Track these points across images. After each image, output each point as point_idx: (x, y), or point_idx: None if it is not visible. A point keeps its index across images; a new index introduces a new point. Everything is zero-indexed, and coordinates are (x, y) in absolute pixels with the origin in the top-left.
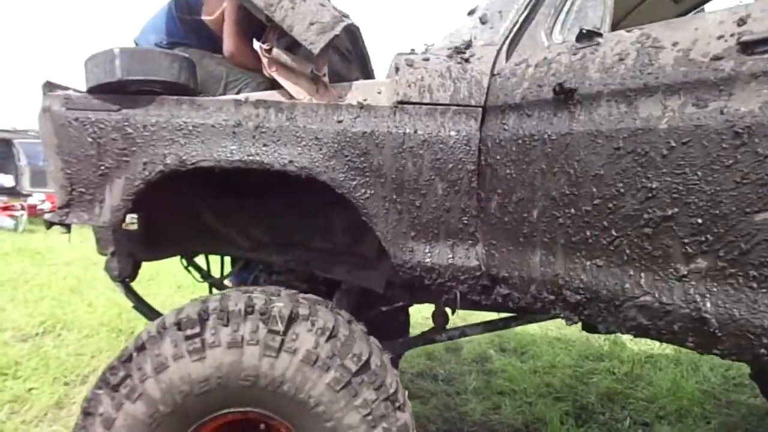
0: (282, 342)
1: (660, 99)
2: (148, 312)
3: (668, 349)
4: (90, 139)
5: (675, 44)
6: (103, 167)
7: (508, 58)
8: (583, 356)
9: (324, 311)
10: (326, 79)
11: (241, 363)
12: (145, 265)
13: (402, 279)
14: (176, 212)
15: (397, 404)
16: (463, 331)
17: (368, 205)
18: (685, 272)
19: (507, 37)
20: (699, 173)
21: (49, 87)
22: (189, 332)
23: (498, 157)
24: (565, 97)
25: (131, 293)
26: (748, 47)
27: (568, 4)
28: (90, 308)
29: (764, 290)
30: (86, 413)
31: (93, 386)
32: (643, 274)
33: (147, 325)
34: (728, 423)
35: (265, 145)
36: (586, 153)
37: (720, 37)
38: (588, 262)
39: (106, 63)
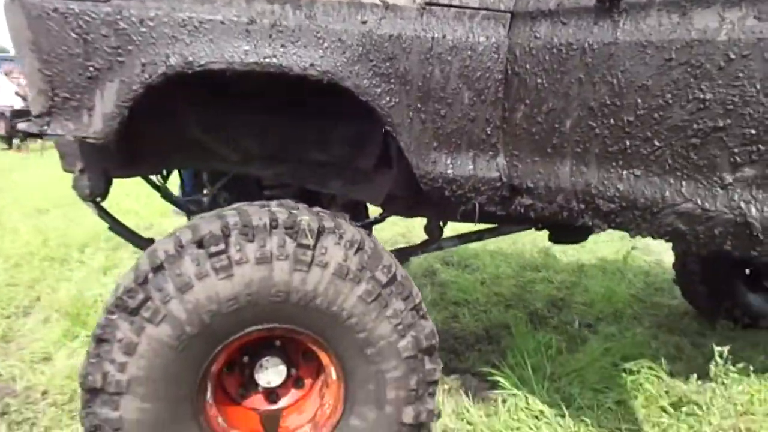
0: (313, 256)
1: (718, 11)
2: (127, 234)
3: (594, 259)
4: (74, 35)
5: None
6: (91, 68)
7: None
8: (521, 267)
9: (346, 224)
10: None
11: (272, 279)
12: None
13: (404, 193)
14: (158, 123)
15: (421, 313)
16: (440, 245)
17: (393, 113)
18: (731, 180)
19: None
20: (758, 86)
21: None
22: (213, 249)
23: (527, 67)
24: (609, 5)
25: (105, 214)
26: None
27: None
28: (15, 236)
29: None
30: (100, 340)
31: (104, 312)
32: (684, 183)
33: (156, 245)
34: (656, 322)
35: (282, 46)
36: (633, 63)
37: None
38: (625, 172)
39: None
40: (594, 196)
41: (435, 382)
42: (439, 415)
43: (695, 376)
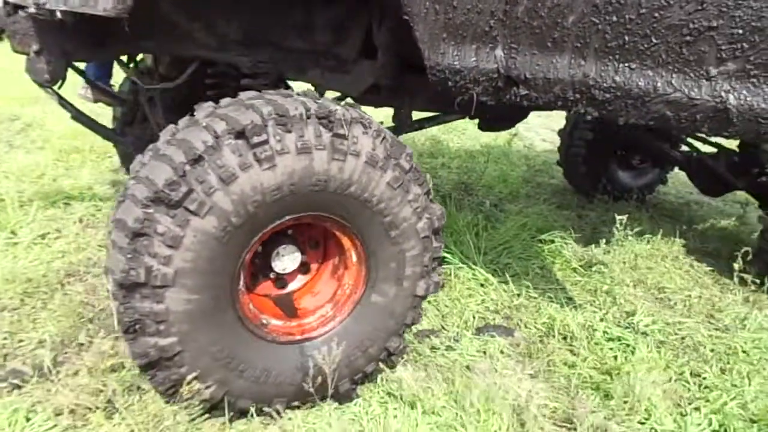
0: (347, 146)
1: None
2: (90, 123)
3: (477, 145)
4: None
5: None
6: None
7: None
8: (420, 154)
9: (367, 115)
10: None
11: (313, 168)
12: None
13: (389, 82)
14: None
15: (430, 196)
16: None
17: (412, 3)
18: (715, 73)
19: None
20: None
21: None
22: (256, 140)
23: None
24: None
25: (65, 102)
26: None
27: None
28: None
29: None
30: (137, 234)
31: (137, 207)
32: (675, 75)
33: (184, 136)
34: (546, 199)
35: None
36: None
37: None
38: (621, 65)
39: None
40: (590, 87)
41: (440, 258)
42: (442, 286)
43: (603, 240)
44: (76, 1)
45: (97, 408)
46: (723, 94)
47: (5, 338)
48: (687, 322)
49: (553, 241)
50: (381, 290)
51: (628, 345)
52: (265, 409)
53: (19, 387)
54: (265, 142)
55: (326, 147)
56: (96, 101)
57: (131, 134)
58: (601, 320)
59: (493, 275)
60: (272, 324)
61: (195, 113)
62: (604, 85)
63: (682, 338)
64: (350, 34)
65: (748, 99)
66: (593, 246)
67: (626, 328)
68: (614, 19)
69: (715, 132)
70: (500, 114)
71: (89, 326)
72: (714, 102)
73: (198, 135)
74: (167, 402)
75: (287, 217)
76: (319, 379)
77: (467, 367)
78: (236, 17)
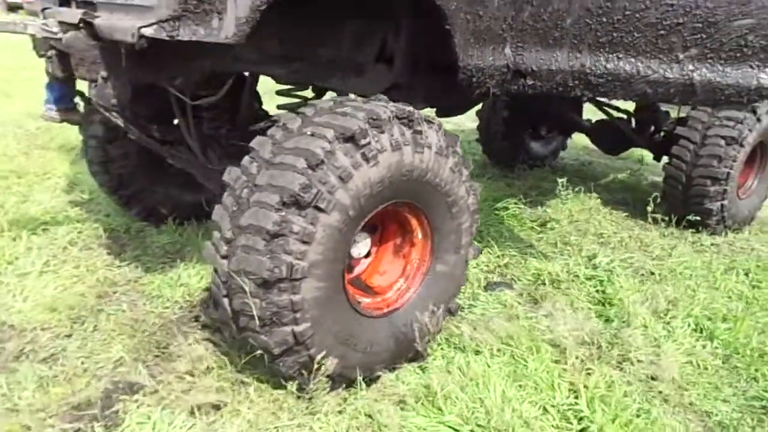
0: (423, 139)
1: None
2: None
3: None
4: None
5: None
6: None
7: None
8: None
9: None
10: None
11: (403, 161)
12: None
13: (406, 81)
14: None
15: (470, 174)
16: None
17: (453, 15)
18: (682, 57)
19: None
20: None
21: None
22: (363, 142)
23: None
24: None
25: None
26: None
27: None
28: None
29: (729, 65)
30: (276, 235)
31: (272, 211)
32: (652, 61)
33: (301, 144)
34: (477, 174)
35: None
36: None
37: None
38: (611, 55)
39: None
40: (587, 74)
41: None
42: (481, 252)
43: (546, 202)
44: (202, 31)
45: (223, 403)
46: (689, 73)
47: (81, 361)
48: (634, 256)
49: (507, 208)
50: (444, 260)
51: (602, 281)
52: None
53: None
54: (369, 143)
55: (410, 142)
56: (62, 121)
57: (119, 151)
58: (576, 265)
59: (476, 241)
60: (364, 302)
61: (284, 123)
62: (598, 72)
63: (636, 269)
64: (369, 43)
65: (707, 75)
66: (539, 207)
67: (595, 268)
68: (604, 20)
69: (683, 101)
70: (458, 104)
71: (155, 338)
72: (683, 79)
73: (314, 142)
74: (283, 386)
75: (380, 206)
76: (405, 343)
77: (498, 317)
78: (280, 35)
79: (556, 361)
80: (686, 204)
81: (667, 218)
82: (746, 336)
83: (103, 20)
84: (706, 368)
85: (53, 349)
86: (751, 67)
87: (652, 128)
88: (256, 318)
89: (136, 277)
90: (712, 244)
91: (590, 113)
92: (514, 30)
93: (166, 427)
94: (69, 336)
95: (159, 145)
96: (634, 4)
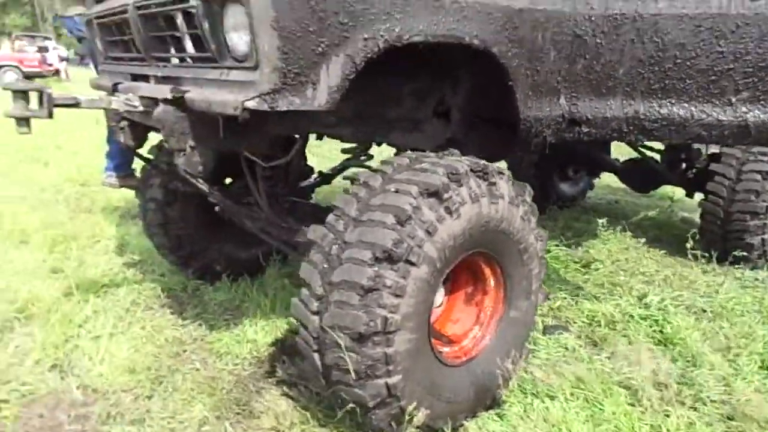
0: (497, 191)
1: None
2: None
3: None
4: (311, 13)
5: None
6: (323, 44)
7: None
8: None
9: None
10: None
11: (481, 212)
12: None
13: (462, 136)
14: None
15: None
16: None
17: (515, 71)
18: (734, 100)
19: None
20: (756, 41)
21: None
22: (445, 196)
23: (586, 29)
24: None
25: (213, 190)
26: None
27: None
28: None
29: None
30: (370, 290)
31: (366, 267)
32: (705, 105)
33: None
34: None
35: (458, 21)
36: (672, 28)
37: None
38: (665, 101)
39: None
40: (641, 120)
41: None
42: (548, 297)
43: (587, 242)
44: (298, 101)
45: None
46: (743, 115)
47: (167, 422)
48: (683, 294)
49: (549, 250)
50: (517, 306)
51: (657, 320)
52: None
53: None
54: (451, 197)
55: (486, 194)
56: (121, 186)
57: (177, 213)
58: (629, 305)
59: None
60: (445, 351)
61: (366, 181)
62: (652, 117)
63: (687, 307)
64: (428, 101)
65: (761, 116)
66: (579, 248)
67: (648, 307)
68: (656, 68)
69: (738, 142)
70: (511, 153)
71: (233, 396)
72: (737, 121)
73: (401, 199)
74: None
75: (461, 257)
76: (484, 391)
77: (564, 361)
78: (355, 98)
79: (631, 404)
80: (726, 239)
81: (707, 254)
82: None
83: (196, 95)
84: None
85: (138, 411)
86: None
87: (684, 165)
88: (352, 372)
89: (201, 335)
90: (755, 279)
91: (616, 152)
92: (568, 81)
93: None
94: (150, 397)
95: (236, 205)
96: (685, 53)
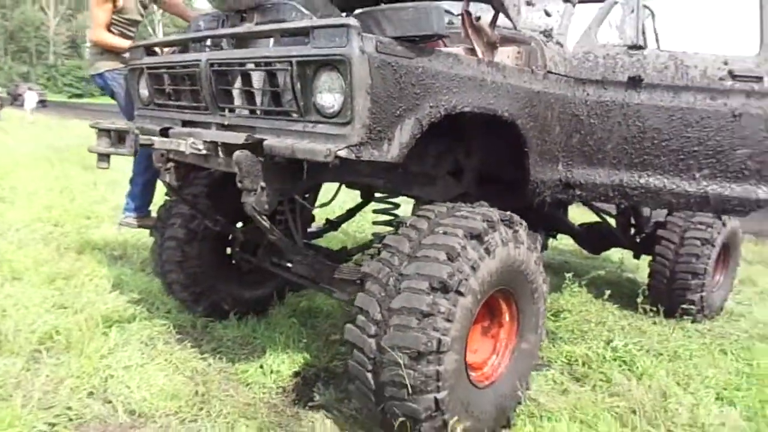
0: (519, 237)
1: (693, 93)
2: (287, 240)
3: None
4: (396, 83)
5: (696, 66)
6: (401, 108)
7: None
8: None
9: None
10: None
11: (509, 254)
12: None
13: (474, 191)
14: None
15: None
16: None
17: (531, 141)
18: (698, 176)
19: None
20: (714, 131)
21: (357, 29)
22: (485, 239)
23: (582, 111)
24: (635, 82)
25: (272, 225)
26: (735, 75)
27: (608, 18)
28: None
29: (734, 183)
30: (426, 315)
31: (424, 295)
32: (676, 178)
33: (437, 241)
34: None
35: (494, 96)
36: (651, 116)
37: (719, 68)
38: (643, 173)
39: (420, 16)
40: (624, 187)
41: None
42: (547, 334)
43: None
44: (376, 153)
45: None
46: (704, 188)
47: None
48: (642, 340)
49: None
50: (527, 339)
51: (625, 360)
52: None
53: None
54: (489, 240)
55: (512, 240)
56: (139, 227)
57: (195, 251)
58: (599, 348)
59: None
60: (471, 374)
61: (413, 224)
62: (633, 185)
63: (647, 350)
64: (446, 160)
65: (718, 190)
66: (549, 298)
67: (615, 350)
68: (637, 146)
69: (699, 210)
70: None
71: (276, 419)
72: (699, 193)
73: (450, 239)
74: None
75: (491, 291)
76: (501, 412)
77: (554, 391)
78: None
79: (624, 425)
80: (671, 296)
81: (654, 308)
82: (761, 401)
83: (275, 142)
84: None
85: None
86: (751, 184)
87: (633, 231)
88: (409, 387)
89: (223, 367)
90: (696, 330)
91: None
92: (566, 152)
93: None
94: (195, 421)
95: (284, 241)
96: (660, 135)
